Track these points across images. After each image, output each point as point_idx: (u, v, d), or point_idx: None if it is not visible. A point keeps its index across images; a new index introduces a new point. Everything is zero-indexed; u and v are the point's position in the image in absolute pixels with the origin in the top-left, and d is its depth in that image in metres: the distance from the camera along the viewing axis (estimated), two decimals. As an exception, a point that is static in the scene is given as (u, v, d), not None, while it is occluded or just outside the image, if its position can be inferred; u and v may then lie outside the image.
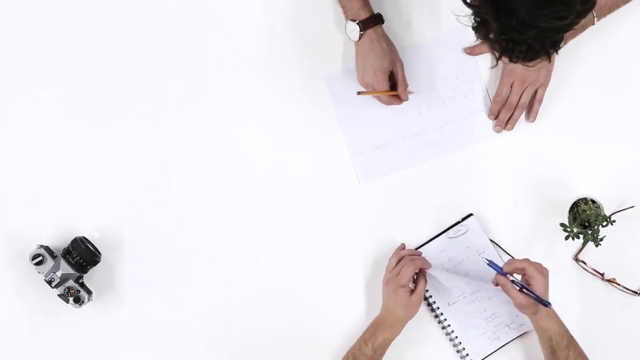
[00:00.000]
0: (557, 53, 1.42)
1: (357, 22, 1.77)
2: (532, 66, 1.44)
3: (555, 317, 1.77)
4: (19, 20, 1.88)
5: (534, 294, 1.72)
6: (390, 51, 1.79)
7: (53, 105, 1.88)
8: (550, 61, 1.43)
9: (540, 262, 1.77)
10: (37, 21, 1.88)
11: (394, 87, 1.82)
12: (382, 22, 1.80)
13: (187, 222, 1.87)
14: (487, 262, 1.76)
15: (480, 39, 1.41)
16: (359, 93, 1.81)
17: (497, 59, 1.43)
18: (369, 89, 1.81)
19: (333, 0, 1.85)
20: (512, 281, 1.76)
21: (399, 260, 1.81)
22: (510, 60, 1.41)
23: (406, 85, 1.82)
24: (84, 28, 1.89)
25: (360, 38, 1.78)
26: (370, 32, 1.77)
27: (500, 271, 1.76)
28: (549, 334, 1.76)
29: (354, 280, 1.87)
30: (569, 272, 1.87)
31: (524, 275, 1.76)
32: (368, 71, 1.78)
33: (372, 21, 1.77)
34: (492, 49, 1.42)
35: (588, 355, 1.77)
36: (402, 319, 1.78)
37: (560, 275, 1.85)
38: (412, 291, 1.78)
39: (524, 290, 1.74)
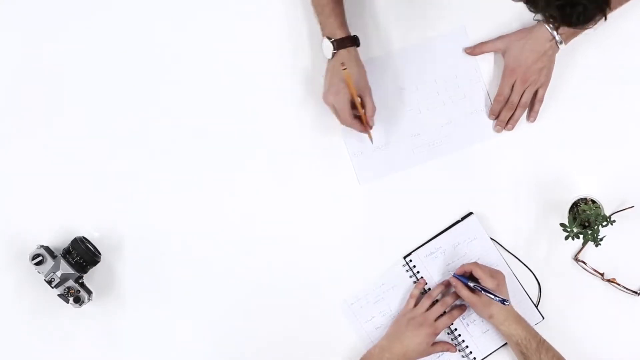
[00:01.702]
0: (609, 8, 1.41)
1: (332, 40, 1.76)
2: (589, 27, 1.43)
3: (518, 321, 1.78)
4: (18, 20, 1.88)
5: (485, 290, 1.75)
6: (359, 75, 1.78)
7: (53, 106, 1.88)
8: (605, 18, 1.42)
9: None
10: (37, 22, 1.88)
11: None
12: (358, 45, 1.79)
13: (188, 222, 1.87)
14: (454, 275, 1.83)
15: (536, 11, 1.41)
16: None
17: (557, 29, 1.48)
18: (329, 107, 1.79)
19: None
20: (467, 284, 1.79)
21: (432, 302, 1.84)
22: (570, 26, 1.41)
23: (374, 110, 1.79)
24: (86, 30, 1.89)
25: (332, 56, 1.77)
26: (343, 52, 1.76)
27: (454, 275, 1.82)
28: (515, 339, 1.77)
29: (354, 281, 1.87)
30: (569, 272, 1.86)
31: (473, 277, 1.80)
32: (332, 89, 1.77)
33: (347, 42, 1.77)
34: (549, 18, 1.42)
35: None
36: (409, 358, 1.80)
37: (560, 275, 1.86)
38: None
39: (477, 288, 1.77)
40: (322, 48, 1.79)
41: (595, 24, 1.42)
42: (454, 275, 1.83)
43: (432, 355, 1.85)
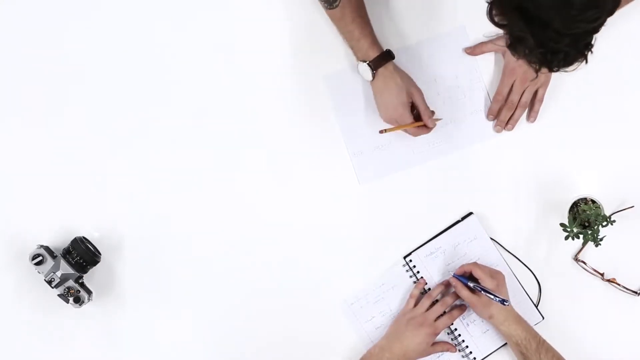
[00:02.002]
0: (591, 52, 1.42)
1: (367, 62, 1.77)
2: (571, 70, 1.44)
3: (518, 321, 1.78)
4: (17, 22, 1.88)
5: (485, 290, 1.75)
6: (406, 84, 1.79)
7: (53, 106, 1.88)
8: (587, 62, 1.43)
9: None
10: (37, 22, 1.88)
11: (418, 117, 1.82)
12: (393, 58, 1.79)
13: (187, 222, 1.87)
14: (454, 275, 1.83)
15: (519, 56, 1.42)
16: (381, 131, 1.80)
17: (537, 71, 1.44)
18: (393, 124, 1.81)
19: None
20: (466, 284, 1.79)
21: (432, 302, 1.84)
22: (550, 70, 1.41)
23: (430, 113, 1.81)
24: (86, 29, 1.88)
25: (373, 77, 1.78)
26: (382, 70, 1.78)
27: (454, 275, 1.82)
28: (514, 339, 1.77)
29: (354, 281, 1.87)
30: (569, 272, 1.86)
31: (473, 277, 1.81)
32: (388, 108, 1.79)
33: (382, 59, 1.77)
34: (530, 63, 1.42)
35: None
36: (409, 358, 1.80)
37: (560, 275, 1.86)
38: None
39: (476, 288, 1.77)
40: (360, 73, 1.80)
41: (577, 67, 1.42)
42: (453, 276, 1.83)
43: (432, 355, 1.85)
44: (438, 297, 1.85)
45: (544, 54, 1.37)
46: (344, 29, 1.79)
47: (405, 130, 1.82)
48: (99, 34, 1.88)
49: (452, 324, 1.85)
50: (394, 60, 1.79)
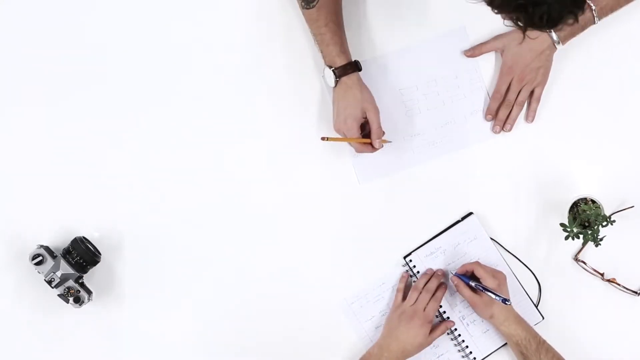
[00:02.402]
0: (582, 12, 1.36)
1: (332, 69, 1.76)
2: (558, 30, 1.37)
3: (519, 321, 1.78)
4: (16, 22, 1.88)
5: (487, 289, 1.75)
6: (364, 99, 1.77)
7: (53, 106, 1.87)
8: (577, 21, 1.37)
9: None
10: (37, 22, 1.88)
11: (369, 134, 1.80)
12: (359, 70, 1.78)
13: (187, 222, 1.87)
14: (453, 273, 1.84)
15: (498, 11, 1.36)
16: (323, 138, 1.78)
17: (524, 32, 1.39)
18: (340, 135, 1.80)
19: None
20: (468, 284, 1.80)
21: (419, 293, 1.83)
22: (535, 27, 1.36)
23: (380, 134, 1.78)
24: (87, 30, 1.88)
25: (335, 85, 1.77)
26: (345, 79, 1.76)
27: (455, 274, 1.82)
28: (515, 339, 1.78)
29: (354, 280, 1.87)
30: (569, 272, 1.86)
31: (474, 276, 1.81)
32: (340, 118, 1.78)
33: (348, 68, 1.76)
34: (515, 22, 1.37)
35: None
36: (409, 355, 1.79)
37: (560, 275, 1.86)
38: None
39: (478, 288, 1.77)
40: (323, 77, 1.80)
41: (567, 25, 1.37)
42: (455, 274, 1.83)
43: (431, 355, 1.85)
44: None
45: (524, 6, 1.32)
46: (316, 31, 1.78)
47: (349, 144, 1.82)
48: (99, 34, 1.88)
49: (446, 312, 1.85)
50: (359, 73, 1.78)
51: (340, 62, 1.76)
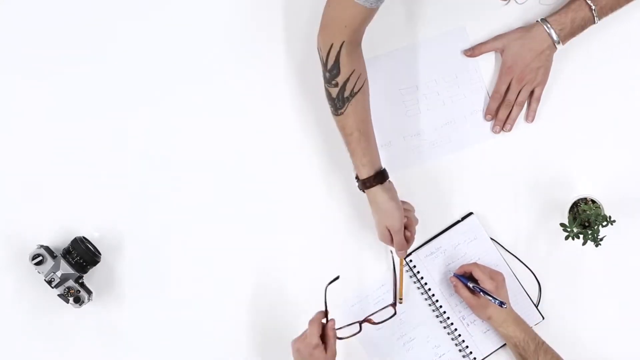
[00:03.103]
0: None
1: (356, 179, 1.76)
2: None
3: (517, 323, 1.78)
4: (18, 18, 1.88)
5: (484, 291, 1.75)
6: (385, 217, 1.74)
7: (53, 106, 1.88)
8: None
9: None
10: (37, 22, 1.88)
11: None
12: (384, 180, 1.74)
13: (187, 222, 1.87)
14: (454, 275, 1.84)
15: None
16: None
17: None
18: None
19: None
20: (466, 285, 1.80)
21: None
22: None
23: (403, 246, 1.78)
24: (86, 30, 1.89)
25: (364, 191, 1.76)
26: (367, 193, 1.74)
27: (454, 275, 1.83)
28: (513, 340, 1.78)
29: (355, 282, 1.87)
30: (569, 272, 1.86)
31: (473, 277, 1.81)
32: (377, 224, 1.77)
33: (372, 181, 1.73)
34: None
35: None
36: None
37: (560, 275, 1.86)
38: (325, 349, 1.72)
39: (475, 289, 1.77)
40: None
41: None
42: (454, 275, 1.83)
43: (432, 355, 1.85)
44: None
45: None
46: (343, 139, 1.75)
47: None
48: (99, 34, 1.88)
49: (446, 312, 1.85)
50: (387, 181, 1.75)
51: (362, 175, 1.74)
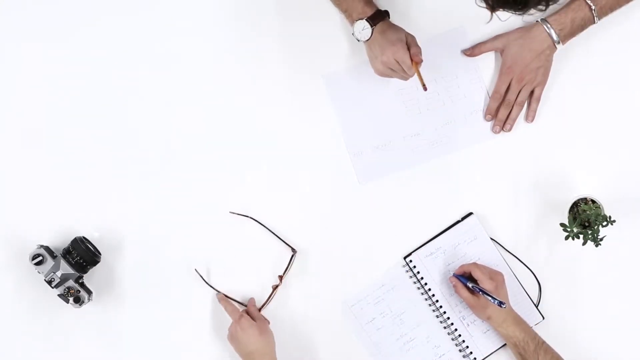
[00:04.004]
0: (553, 1, 1.36)
1: (364, 19, 1.74)
2: (523, 13, 1.37)
3: (517, 322, 1.78)
4: (20, 19, 1.88)
5: (483, 291, 1.75)
6: (402, 34, 1.75)
7: (53, 105, 1.88)
8: (547, 7, 1.38)
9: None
10: (38, 24, 1.88)
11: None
12: (389, 17, 1.77)
13: (187, 222, 1.87)
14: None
15: None
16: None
17: (492, 11, 1.39)
18: (388, 69, 1.75)
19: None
20: (466, 285, 1.80)
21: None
22: (505, 7, 1.36)
23: (419, 50, 1.75)
24: (86, 30, 1.89)
25: (372, 35, 1.74)
26: (380, 24, 1.74)
27: (454, 275, 1.83)
28: (513, 340, 1.78)
29: (354, 282, 1.87)
30: (569, 272, 1.86)
31: (472, 278, 1.81)
32: (385, 47, 1.73)
33: (379, 16, 1.75)
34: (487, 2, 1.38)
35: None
36: (269, 346, 1.78)
37: (560, 275, 1.86)
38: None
39: (475, 289, 1.77)
40: (354, 34, 1.75)
41: (539, 9, 1.37)
42: (453, 275, 1.83)
43: (432, 355, 1.85)
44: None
45: None
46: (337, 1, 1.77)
47: (403, 66, 1.75)
48: (99, 35, 1.88)
49: (446, 312, 1.85)
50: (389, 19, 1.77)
51: (370, 10, 1.74)
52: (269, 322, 1.84)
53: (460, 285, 1.81)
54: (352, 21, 1.76)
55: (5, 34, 1.89)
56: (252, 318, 1.80)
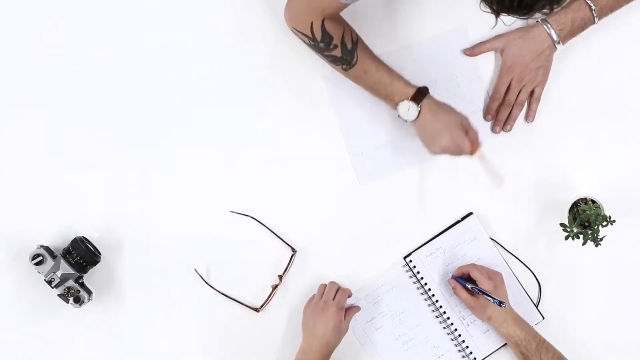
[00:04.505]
0: (558, 4, 1.36)
1: (409, 100, 1.72)
2: (531, 16, 1.38)
3: (517, 322, 1.78)
4: (17, 16, 1.88)
5: (483, 292, 1.75)
6: (453, 110, 1.74)
7: (53, 105, 1.88)
8: (551, 10, 1.38)
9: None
10: (36, 22, 1.88)
11: None
12: (428, 92, 1.74)
13: (187, 222, 1.87)
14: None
15: None
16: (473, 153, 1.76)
17: (496, 15, 1.40)
18: (446, 152, 1.74)
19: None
20: (465, 286, 1.80)
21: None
22: (509, 12, 1.36)
23: (476, 133, 1.75)
24: (86, 29, 1.89)
25: (419, 114, 1.73)
26: (426, 101, 1.73)
27: (452, 277, 1.83)
28: (514, 340, 1.77)
29: (354, 282, 1.87)
30: (569, 272, 1.86)
31: (471, 279, 1.81)
32: (442, 132, 1.72)
33: (421, 94, 1.73)
34: (489, 4, 1.38)
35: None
36: (333, 346, 1.77)
37: (560, 275, 1.86)
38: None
39: (474, 290, 1.77)
40: (401, 116, 1.74)
41: (544, 12, 1.37)
42: (452, 277, 1.83)
43: (431, 356, 1.85)
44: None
45: None
46: (370, 81, 1.75)
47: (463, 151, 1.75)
48: (98, 34, 1.88)
49: (446, 313, 1.85)
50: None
51: (412, 91, 1.73)
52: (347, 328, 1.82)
53: (459, 287, 1.81)
54: (395, 105, 1.75)
55: (5, 34, 1.88)
56: (341, 310, 1.78)
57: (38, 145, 1.87)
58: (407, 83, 1.75)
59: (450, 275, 1.84)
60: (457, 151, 1.74)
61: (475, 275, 1.78)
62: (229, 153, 1.88)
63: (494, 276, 1.79)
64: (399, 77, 1.75)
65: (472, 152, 1.75)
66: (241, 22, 1.89)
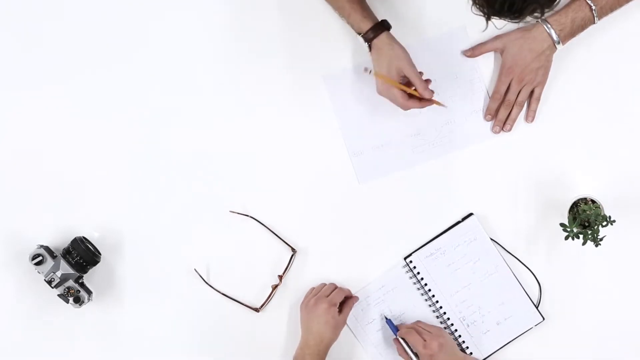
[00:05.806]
0: (550, 8, 1.37)
1: (360, 35, 1.76)
2: (519, 21, 1.39)
3: None
4: (17, 19, 1.89)
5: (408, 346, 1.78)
6: (396, 57, 1.76)
7: (53, 105, 1.88)
8: (542, 14, 1.38)
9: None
10: (36, 22, 1.89)
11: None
12: (388, 29, 1.77)
13: (187, 222, 1.87)
14: (386, 319, 1.85)
15: None
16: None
17: (487, 18, 1.41)
18: (386, 98, 1.78)
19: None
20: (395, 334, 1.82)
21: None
22: (497, 15, 1.37)
23: (424, 85, 1.75)
24: (86, 29, 1.89)
25: (370, 50, 1.77)
26: (375, 42, 1.76)
27: (395, 332, 1.83)
28: None
29: (354, 283, 1.87)
30: (569, 273, 1.86)
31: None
32: (378, 82, 1.77)
33: (375, 31, 1.76)
34: (480, 9, 1.39)
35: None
36: (328, 341, 1.78)
37: (560, 276, 1.86)
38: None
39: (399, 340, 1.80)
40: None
41: (535, 16, 1.37)
42: (394, 333, 1.83)
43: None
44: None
45: None
46: (335, 5, 1.79)
47: (395, 101, 1.77)
48: (98, 34, 1.89)
49: (446, 313, 1.85)
50: (389, 31, 1.77)
51: (365, 26, 1.75)
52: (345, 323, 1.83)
53: (401, 351, 1.80)
54: (355, 35, 1.79)
55: (5, 34, 1.89)
56: (340, 307, 1.80)
57: (38, 145, 1.88)
58: (365, 16, 1.76)
59: (395, 335, 1.83)
60: (392, 99, 1.76)
61: (411, 341, 1.77)
62: (228, 153, 1.88)
63: (432, 341, 1.75)
64: (359, 9, 1.76)
65: (403, 106, 1.76)
66: (241, 22, 1.89)
